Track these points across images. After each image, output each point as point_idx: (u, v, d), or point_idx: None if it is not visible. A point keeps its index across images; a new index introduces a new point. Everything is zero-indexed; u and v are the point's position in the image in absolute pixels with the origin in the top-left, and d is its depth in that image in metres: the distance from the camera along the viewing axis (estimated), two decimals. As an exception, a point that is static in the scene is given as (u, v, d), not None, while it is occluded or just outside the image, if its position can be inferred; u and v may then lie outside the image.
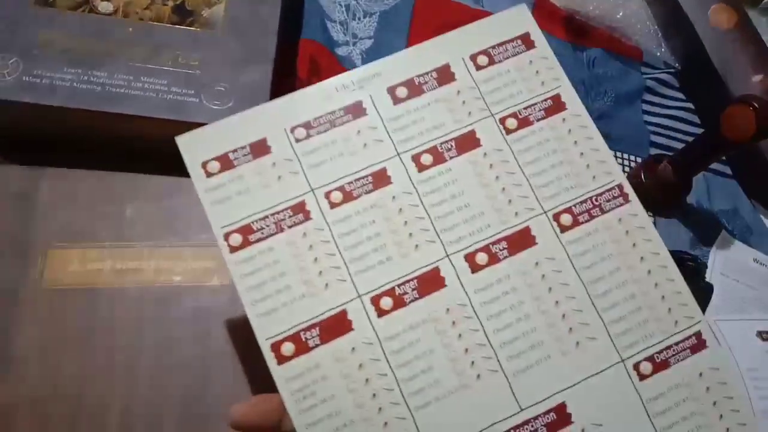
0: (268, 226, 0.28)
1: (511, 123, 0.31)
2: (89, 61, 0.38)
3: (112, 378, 0.34)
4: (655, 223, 0.53)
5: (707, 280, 0.48)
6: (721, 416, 0.28)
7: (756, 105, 0.43)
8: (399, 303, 0.28)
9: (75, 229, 0.37)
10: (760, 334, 0.48)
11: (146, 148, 0.39)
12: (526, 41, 0.33)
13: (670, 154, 0.56)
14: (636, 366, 0.28)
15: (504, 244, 0.29)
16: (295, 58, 0.52)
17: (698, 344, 0.29)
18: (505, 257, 0.29)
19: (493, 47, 0.33)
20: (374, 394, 0.26)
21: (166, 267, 0.37)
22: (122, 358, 0.35)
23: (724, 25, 0.56)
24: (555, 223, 0.30)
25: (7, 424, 0.32)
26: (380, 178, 0.29)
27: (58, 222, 0.37)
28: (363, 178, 0.29)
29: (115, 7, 0.40)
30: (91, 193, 0.38)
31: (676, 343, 0.28)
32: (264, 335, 0.26)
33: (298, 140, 0.30)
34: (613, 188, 0.31)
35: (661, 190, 0.53)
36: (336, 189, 0.29)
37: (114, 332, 0.35)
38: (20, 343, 0.34)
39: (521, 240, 0.29)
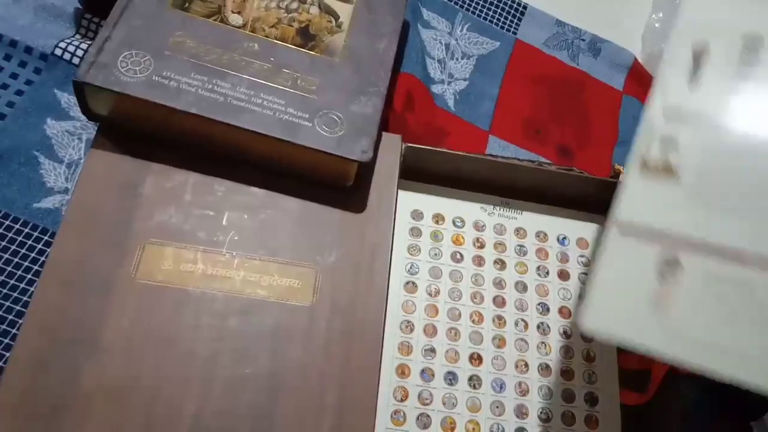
0: None
1: None
2: (215, 71, 0.39)
3: (189, 381, 0.35)
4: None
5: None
6: None
7: None
8: None
9: (172, 227, 0.38)
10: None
11: (251, 160, 0.41)
12: None
13: None
14: None
15: None
16: (394, 90, 0.53)
17: None
18: None
19: None
20: None
21: (253, 279, 0.38)
22: (201, 363, 0.35)
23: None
24: None
25: (88, 408, 0.33)
26: None
27: (157, 218, 0.38)
28: None
29: (244, 21, 0.42)
30: (193, 194, 0.40)
31: None
32: None
33: None
34: None
35: None
36: None
37: (196, 336, 0.36)
38: (108, 331, 0.35)
39: None
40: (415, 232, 0.46)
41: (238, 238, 0.39)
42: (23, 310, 0.39)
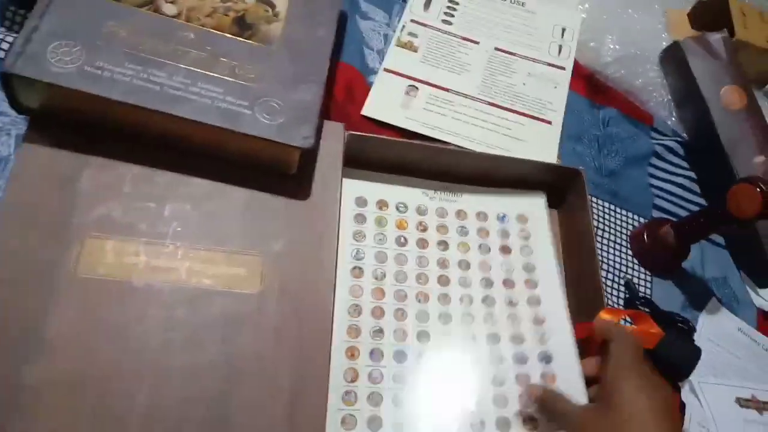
0: None
1: None
2: (150, 60, 0.39)
3: (139, 374, 0.34)
4: (651, 282, 0.56)
5: (695, 343, 0.50)
6: None
7: (763, 186, 0.46)
8: None
9: (113, 220, 0.38)
10: (738, 400, 0.51)
11: (193, 150, 0.40)
12: None
13: (671, 218, 0.59)
14: None
15: None
16: (334, 81, 0.53)
17: None
18: None
19: None
20: None
21: (199, 269, 0.38)
22: (150, 355, 0.35)
23: (734, 106, 0.60)
24: None
25: (35, 405, 0.32)
26: None
27: (97, 212, 0.38)
28: None
29: (179, 10, 0.41)
30: (133, 186, 0.39)
31: None
32: None
33: None
34: None
35: (660, 251, 0.56)
36: None
37: (144, 329, 0.35)
38: (53, 327, 0.34)
39: None
40: (360, 218, 0.47)
41: (181, 229, 0.39)
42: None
